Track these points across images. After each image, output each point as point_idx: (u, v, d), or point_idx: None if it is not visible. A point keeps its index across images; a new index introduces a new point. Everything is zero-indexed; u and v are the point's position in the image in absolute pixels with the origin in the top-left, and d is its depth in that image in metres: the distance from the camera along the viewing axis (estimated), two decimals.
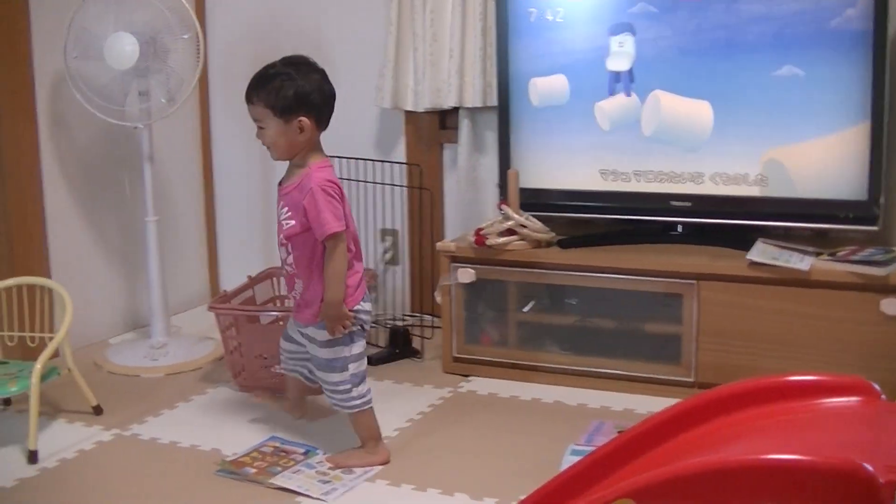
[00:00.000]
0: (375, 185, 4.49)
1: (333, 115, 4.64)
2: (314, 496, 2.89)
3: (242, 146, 4.91)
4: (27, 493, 3.01)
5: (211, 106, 4.97)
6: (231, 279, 4.85)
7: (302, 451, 3.19)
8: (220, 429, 3.44)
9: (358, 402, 3.08)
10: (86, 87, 3.94)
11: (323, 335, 3.06)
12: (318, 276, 3.03)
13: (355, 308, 3.06)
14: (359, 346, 3.10)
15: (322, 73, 3.06)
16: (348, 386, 3.07)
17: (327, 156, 3.09)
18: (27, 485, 3.06)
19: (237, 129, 4.90)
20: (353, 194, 4.53)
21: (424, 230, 4.39)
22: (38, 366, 3.25)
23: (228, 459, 3.13)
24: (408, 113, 4.53)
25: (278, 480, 2.97)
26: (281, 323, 3.64)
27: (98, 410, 3.56)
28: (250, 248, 4.99)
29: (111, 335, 4.47)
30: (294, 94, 2.96)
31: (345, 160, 4.43)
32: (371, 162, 4.46)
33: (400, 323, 4.35)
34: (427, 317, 4.42)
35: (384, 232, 4.62)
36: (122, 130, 4.16)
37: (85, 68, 3.92)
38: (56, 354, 3.40)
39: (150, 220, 4.10)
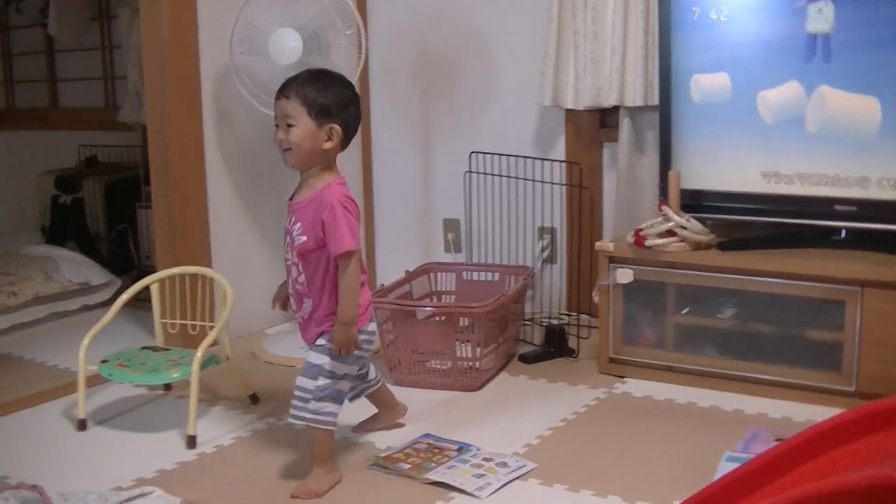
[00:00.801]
0: (534, 182, 4.47)
1: (495, 111, 4.64)
2: (468, 491, 2.88)
3: (402, 142, 4.94)
4: (186, 476, 3.08)
5: (371, 101, 5.02)
6: (386, 273, 4.89)
7: (455, 447, 3.19)
8: None
9: (309, 416, 2.93)
10: (250, 82, 4.01)
11: (322, 343, 2.95)
12: (331, 294, 2.92)
13: (361, 328, 2.95)
14: (342, 367, 2.95)
15: (357, 95, 3.00)
16: (308, 396, 2.92)
17: (342, 175, 2.99)
18: (186, 468, 3.14)
19: (396, 125, 4.94)
20: (511, 191, 4.52)
21: (583, 229, 4.35)
22: (199, 353, 3.33)
23: (382, 455, 3.15)
24: (568, 111, 4.51)
25: (433, 475, 2.98)
26: (437, 318, 3.66)
27: (254, 399, 3.63)
28: (406, 242, 5.02)
29: (268, 326, 4.55)
30: (336, 98, 2.88)
31: (504, 157, 4.43)
32: (530, 160, 4.45)
33: (556, 321, 4.32)
34: (584, 316, 4.39)
35: (542, 230, 4.60)
36: None
37: (250, 63, 3.99)
38: (215, 343, 3.47)
39: None
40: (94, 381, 3.61)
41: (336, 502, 2.89)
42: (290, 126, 2.84)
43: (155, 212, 4.21)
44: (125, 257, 5.36)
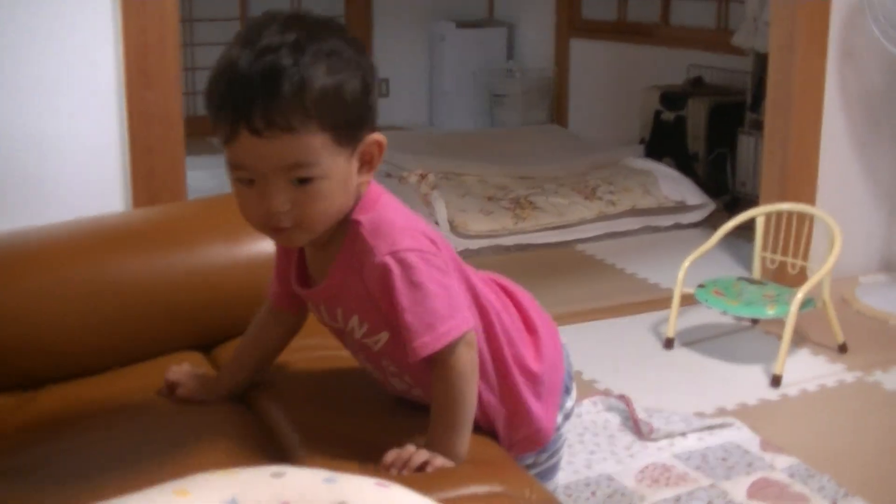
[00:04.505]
0: None
1: None
2: None
3: None
4: (767, 414, 3.07)
5: None
6: None
7: None
8: None
9: None
10: (884, 19, 3.83)
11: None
12: (498, 381, 1.70)
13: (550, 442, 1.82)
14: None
15: (359, 44, 1.56)
16: None
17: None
18: (768, 407, 3.13)
19: None
20: None
21: None
22: (800, 295, 3.27)
23: None
24: None
25: None
26: None
27: (843, 349, 3.51)
28: None
29: (863, 273, 4.38)
30: (358, 80, 1.51)
31: None
32: None
33: None
34: None
35: None
36: None
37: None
38: None
39: None
40: (683, 301, 3.64)
41: None
42: (304, 181, 1.48)
43: (767, 143, 4.16)
44: (720, 181, 5.36)
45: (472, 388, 1.56)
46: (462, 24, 7.54)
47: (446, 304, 1.52)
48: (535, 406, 1.72)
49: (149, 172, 3.04)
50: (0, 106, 2.80)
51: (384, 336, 1.60)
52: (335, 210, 1.51)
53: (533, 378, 1.71)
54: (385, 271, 1.50)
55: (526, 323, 1.75)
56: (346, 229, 1.55)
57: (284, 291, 1.72)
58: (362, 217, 1.54)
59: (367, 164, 1.55)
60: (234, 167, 1.48)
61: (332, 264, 1.58)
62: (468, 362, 1.54)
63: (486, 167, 5.23)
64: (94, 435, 1.69)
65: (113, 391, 1.84)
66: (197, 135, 6.56)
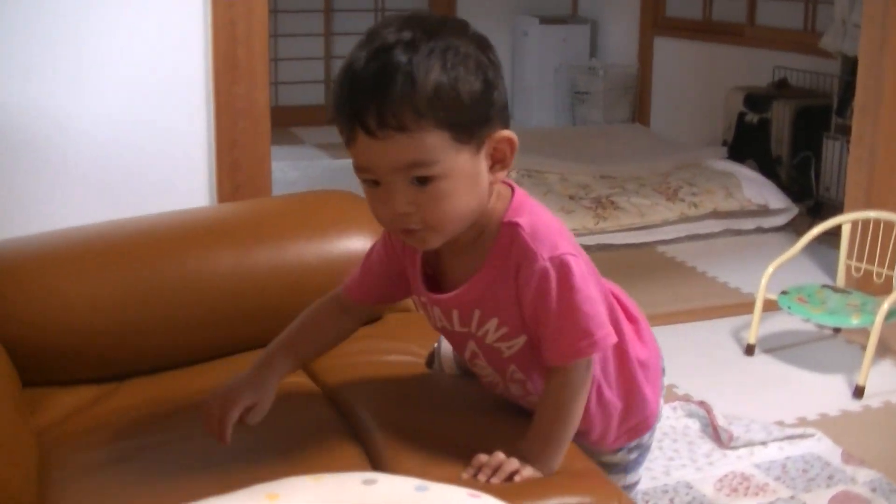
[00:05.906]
0: None
1: None
2: None
3: None
4: (849, 426, 3.02)
5: None
6: None
7: None
8: None
9: None
10: None
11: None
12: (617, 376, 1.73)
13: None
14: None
15: (483, 38, 1.54)
16: None
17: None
18: (850, 418, 3.08)
19: None
20: None
21: None
22: (886, 305, 3.21)
23: None
24: None
25: None
26: None
27: None
28: None
29: None
30: (484, 86, 1.47)
31: None
32: None
33: None
34: None
35: None
36: None
37: None
38: None
39: None
40: (765, 307, 3.59)
41: None
42: (424, 181, 1.45)
43: (853, 148, 4.09)
44: (803, 185, 5.29)
45: (580, 408, 1.57)
46: (545, 20, 7.51)
47: (599, 311, 1.53)
48: (647, 391, 1.74)
49: (234, 166, 3.05)
50: (89, 99, 2.83)
51: (521, 340, 1.59)
52: (464, 209, 1.48)
53: (643, 364, 1.73)
54: (545, 275, 1.49)
55: (626, 311, 1.76)
56: (496, 231, 1.53)
57: (372, 284, 1.71)
58: (521, 220, 1.52)
59: (499, 162, 1.51)
60: (358, 169, 1.47)
61: (482, 267, 1.54)
62: (584, 381, 1.56)
63: (567, 165, 5.20)
64: (178, 431, 1.71)
65: (196, 387, 1.84)
66: (279, 125, 6.63)
